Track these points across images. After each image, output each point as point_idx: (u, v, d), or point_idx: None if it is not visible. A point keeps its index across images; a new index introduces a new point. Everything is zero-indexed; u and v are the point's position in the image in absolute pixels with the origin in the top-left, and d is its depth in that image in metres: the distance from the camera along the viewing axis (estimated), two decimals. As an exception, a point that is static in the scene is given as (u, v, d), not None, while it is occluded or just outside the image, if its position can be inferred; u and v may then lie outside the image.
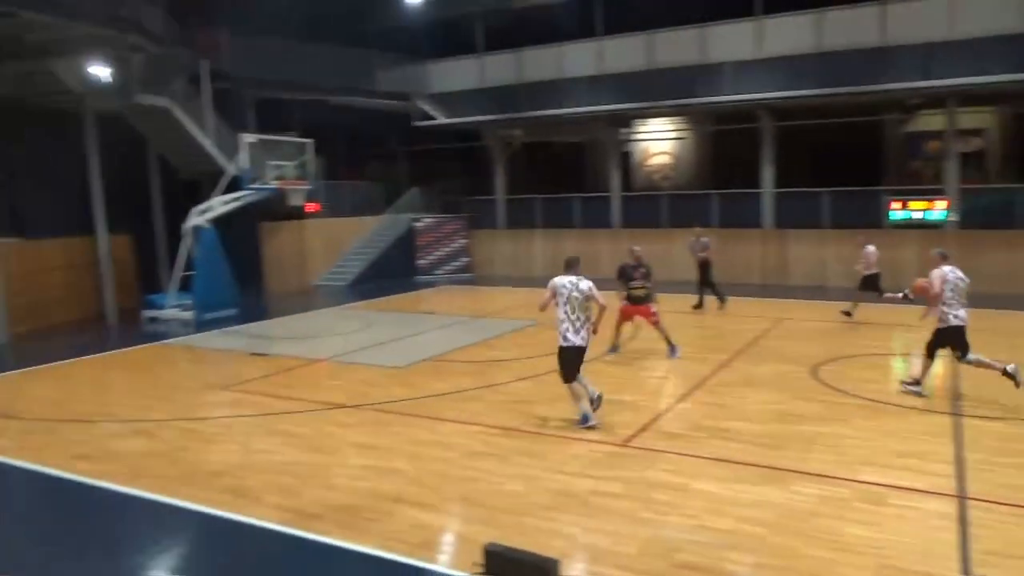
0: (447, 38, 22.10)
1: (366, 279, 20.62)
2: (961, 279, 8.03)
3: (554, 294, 7.46)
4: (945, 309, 7.96)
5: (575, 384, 7.54)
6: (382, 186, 23.75)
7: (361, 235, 22.09)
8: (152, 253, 17.86)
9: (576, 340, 7.41)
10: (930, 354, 8.22)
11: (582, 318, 7.42)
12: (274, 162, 16.43)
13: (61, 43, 12.96)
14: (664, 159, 23.66)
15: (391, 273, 21.11)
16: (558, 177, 23.94)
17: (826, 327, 12.82)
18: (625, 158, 23.05)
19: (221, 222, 15.96)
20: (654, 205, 21.05)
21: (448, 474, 6.38)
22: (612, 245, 19.92)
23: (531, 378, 9.61)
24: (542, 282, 15.44)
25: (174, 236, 16.68)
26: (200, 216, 15.67)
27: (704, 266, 14.56)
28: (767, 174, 19.18)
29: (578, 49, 20.65)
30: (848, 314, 13.00)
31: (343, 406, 8.58)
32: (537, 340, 12.01)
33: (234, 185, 16.06)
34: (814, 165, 20.37)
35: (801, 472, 6.16)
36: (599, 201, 21.82)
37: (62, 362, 11.56)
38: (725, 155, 21.93)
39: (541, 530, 5.21)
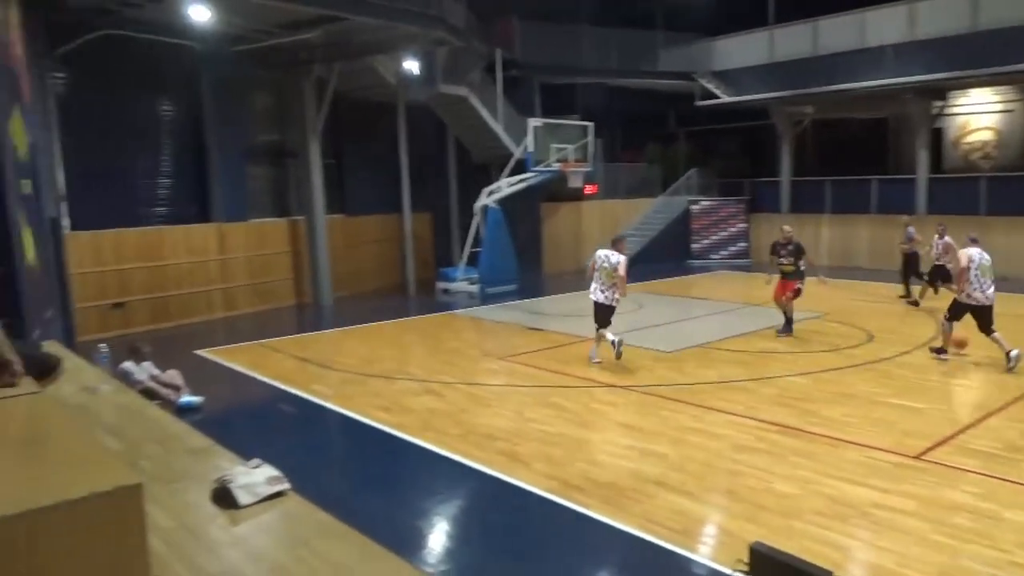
0: (735, 13, 21.12)
1: (638, 261, 20.59)
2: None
3: (595, 262, 9.66)
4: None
5: (601, 330, 9.63)
6: (659, 167, 23.55)
7: (636, 217, 22.17)
8: (447, 230, 19.59)
9: (600, 298, 9.55)
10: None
11: (607, 283, 9.51)
12: (557, 145, 17.09)
13: (381, 42, 14.65)
14: (986, 135, 20.43)
15: (664, 256, 20.92)
16: (852, 157, 21.84)
17: None
18: (936, 135, 20.33)
19: (506, 202, 17.01)
20: (971, 189, 18.33)
21: (713, 464, 6.21)
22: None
23: (809, 374, 8.97)
24: (828, 272, 14.42)
25: (465, 215, 18.15)
26: (488, 197, 16.85)
27: (910, 258, 13.81)
28: None
29: (884, 14, 18.52)
30: (916, 303, 13.22)
31: (611, 385, 8.73)
32: (819, 334, 11.17)
33: (520, 167, 17.00)
34: None
35: None
36: (901, 184, 19.53)
37: (370, 324, 13.21)
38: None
39: (813, 537, 4.86)
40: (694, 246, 22.04)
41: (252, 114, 15.81)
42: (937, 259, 12.91)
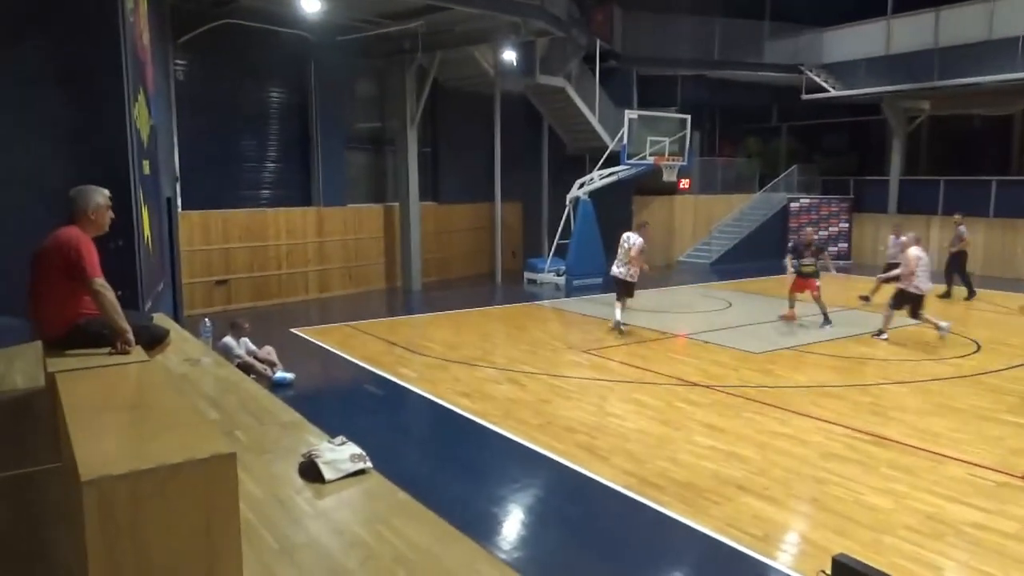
0: (847, 3, 20.13)
1: (730, 259, 20.15)
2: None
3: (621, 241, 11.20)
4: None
5: (618, 300, 11.23)
6: (757, 163, 22.84)
7: (730, 213, 21.60)
8: (537, 220, 19.64)
9: (616, 272, 11.25)
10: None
11: (624, 260, 11.14)
12: (652, 137, 16.82)
13: (483, 32, 14.79)
14: None
15: (758, 254, 20.29)
16: (970, 156, 20.54)
17: None
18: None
19: (598, 195, 16.89)
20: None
21: (799, 472, 6.02)
22: (1037, 240, 16.60)
23: (910, 383, 8.55)
24: (936, 277, 13.77)
25: (555, 206, 18.14)
26: (580, 188, 16.79)
27: (958, 257, 14.58)
28: None
29: (1016, 3, 17.25)
30: (866, 299, 13.93)
31: (695, 384, 8.58)
32: (922, 342, 10.62)
33: (613, 159, 16.85)
34: None
35: None
36: (1024, 186, 18.27)
37: (456, 311, 13.43)
38: None
39: (903, 553, 4.66)
40: (791, 245, 21.26)
41: (354, 102, 16.28)
42: (892, 258, 13.56)
